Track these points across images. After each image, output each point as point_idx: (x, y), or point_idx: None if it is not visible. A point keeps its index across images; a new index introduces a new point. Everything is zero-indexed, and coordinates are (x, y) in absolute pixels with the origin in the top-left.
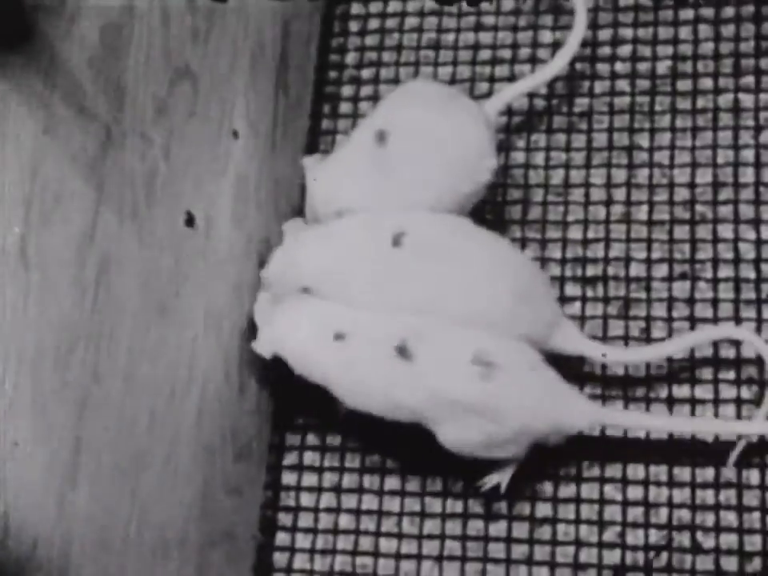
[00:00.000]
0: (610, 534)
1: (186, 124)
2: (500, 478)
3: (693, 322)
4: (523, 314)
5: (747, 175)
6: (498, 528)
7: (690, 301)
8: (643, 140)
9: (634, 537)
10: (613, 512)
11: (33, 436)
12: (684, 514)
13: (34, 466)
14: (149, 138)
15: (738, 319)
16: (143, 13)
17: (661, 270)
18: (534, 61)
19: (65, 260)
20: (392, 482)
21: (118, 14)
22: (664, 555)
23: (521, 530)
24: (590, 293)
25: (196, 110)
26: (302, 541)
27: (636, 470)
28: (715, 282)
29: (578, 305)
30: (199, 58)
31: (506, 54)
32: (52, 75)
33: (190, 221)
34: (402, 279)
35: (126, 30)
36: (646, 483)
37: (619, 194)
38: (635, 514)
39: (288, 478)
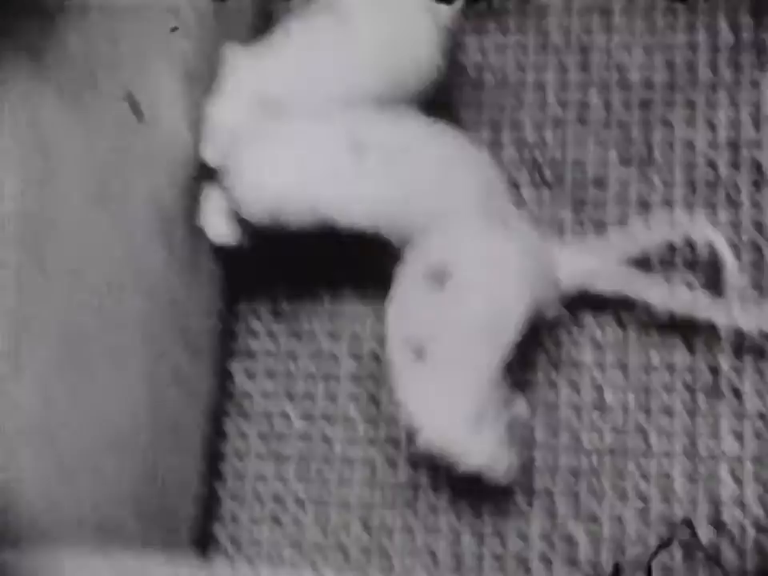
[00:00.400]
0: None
1: (128, 3)
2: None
3: None
4: (489, 209)
5: None
6: None
7: None
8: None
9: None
10: None
11: None
12: None
13: None
14: (91, 20)
15: None
16: None
17: None
18: None
19: (7, 150)
20: None
21: None
22: None
23: None
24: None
25: None
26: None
27: None
28: None
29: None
30: None
31: None
32: None
33: (134, 105)
34: (370, 189)
35: None
36: None
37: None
38: None
39: (236, 367)
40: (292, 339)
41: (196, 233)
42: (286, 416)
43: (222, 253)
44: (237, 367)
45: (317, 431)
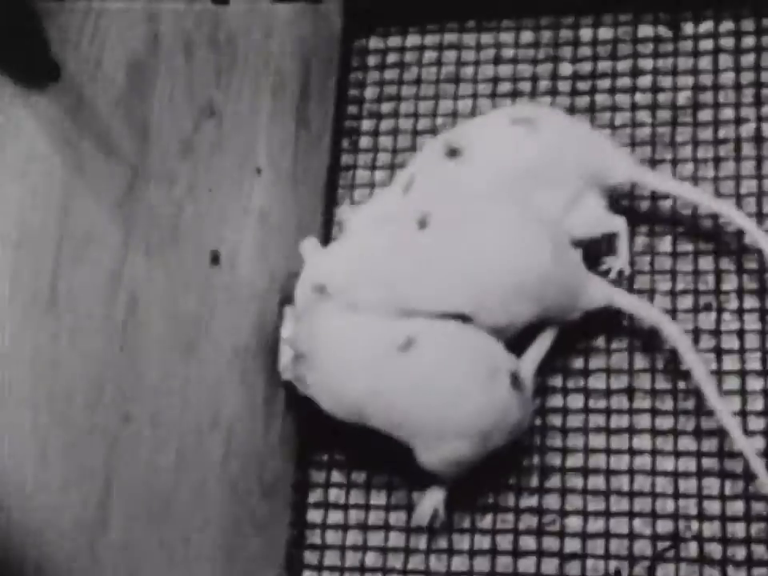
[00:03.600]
0: (639, 569)
1: (210, 161)
2: (434, 504)
3: (719, 353)
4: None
5: None
6: (526, 564)
7: (716, 332)
8: (665, 171)
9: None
10: (642, 546)
11: (65, 480)
12: None
13: (66, 510)
14: (174, 177)
15: (764, 350)
16: (167, 49)
17: (686, 302)
18: (554, 93)
19: (94, 301)
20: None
21: (143, 52)
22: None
23: (549, 565)
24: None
25: (220, 147)
26: None
27: (665, 504)
28: (740, 312)
29: (602, 338)
30: (222, 94)
31: (526, 86)
32: (79, 115)
33: (215, 259)
34: (433, 265)
35: (150, 69)
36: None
37: (642, 226)
38: (665, 548)
39: (313, 516)
40: (368, 491)
41: (273, 378)
42: (361, 569)
43: (298, 400)
44: (314, 517)
45: None
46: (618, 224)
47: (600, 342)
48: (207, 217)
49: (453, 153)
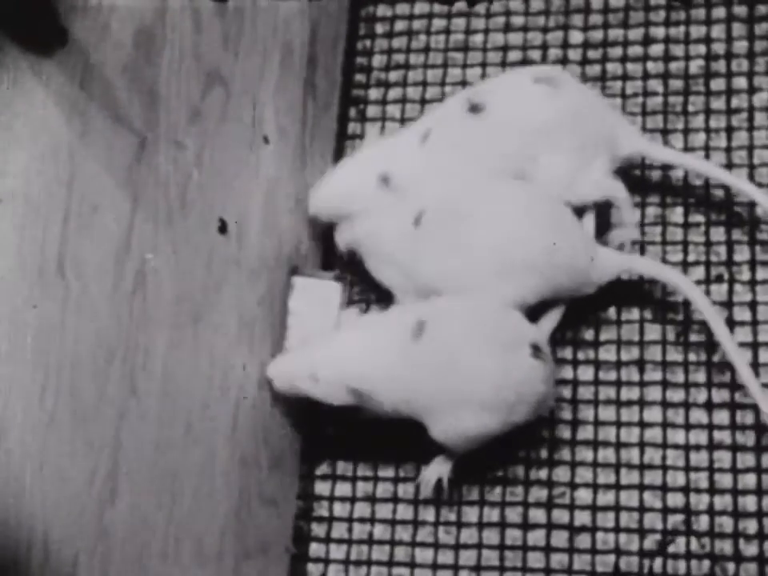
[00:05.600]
0: (649, 542)
1: (218, 130)
2: (439, 474)
3: (731, 325)
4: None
5: None
6: (535, 537)
7: (728, 304)
8: (677, 141)
9: (674, 545)
10: (653, 519)
11: (72, 450)
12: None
13: (74, 480)
14: (182, 145)
15: None
16: (175, 17)
17: (697, 273)
18: (564, 62)
19: (102, 269)
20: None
21: (151, 19)
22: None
23: (559, 538)
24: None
25: (227, 116)
26: (336, 551)
27: (675, 477)
28: (753, 284)
29: (612, 310)
30: (230, 62)
31: (536, 54)
32: (87, 81)
33: (222, 228)
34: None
35: (158, 36)
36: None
37: (654, 197)
38: (675, 521)
39: (321, 488)
40: (376, 463)
41: (280, 349)
42: (369, 541)
43: None
44: (322, 489)
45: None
46: (618, 190)
47: (611, 313)
48: (215, 185)
49: (474, 108)
